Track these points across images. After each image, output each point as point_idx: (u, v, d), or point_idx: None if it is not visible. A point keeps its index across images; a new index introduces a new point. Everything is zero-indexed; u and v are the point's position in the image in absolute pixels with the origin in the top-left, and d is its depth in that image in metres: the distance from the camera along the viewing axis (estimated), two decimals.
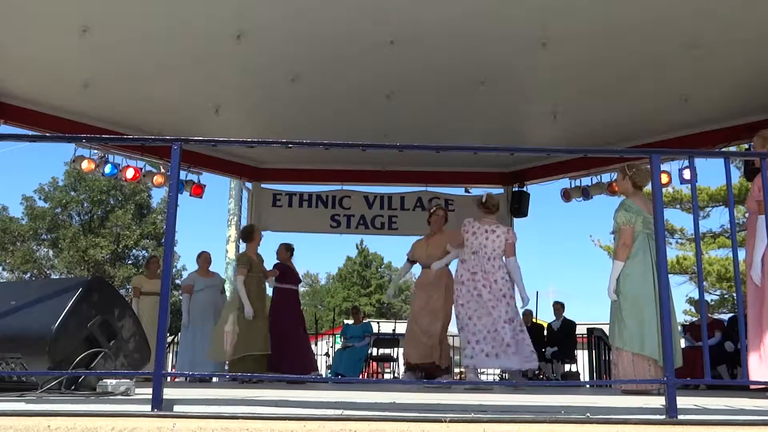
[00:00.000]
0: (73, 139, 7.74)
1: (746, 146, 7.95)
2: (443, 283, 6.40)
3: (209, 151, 9.46)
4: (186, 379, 8.34)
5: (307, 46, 6.49)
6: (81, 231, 27.53)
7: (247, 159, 10.03)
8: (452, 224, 6.96)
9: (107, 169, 8.69)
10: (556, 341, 10.70)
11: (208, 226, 52.58)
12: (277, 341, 7.13)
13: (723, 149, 7.49)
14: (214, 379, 7.77)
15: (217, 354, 7.10)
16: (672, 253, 18.56)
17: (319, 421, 2.23)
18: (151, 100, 7.75)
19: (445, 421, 2.22)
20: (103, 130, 8.13)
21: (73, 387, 3.39)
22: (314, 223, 10.07)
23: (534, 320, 11.08)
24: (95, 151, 8.59)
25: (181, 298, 8.45)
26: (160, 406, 2.45)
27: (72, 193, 27.85)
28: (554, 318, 11.11)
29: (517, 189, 10.01)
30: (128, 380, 3.25)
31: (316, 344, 14.63)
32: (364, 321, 11.14)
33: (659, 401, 2.76)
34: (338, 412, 2.39)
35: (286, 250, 7.87)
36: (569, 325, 10.86)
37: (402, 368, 7.67)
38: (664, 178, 8.39)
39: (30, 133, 7.85)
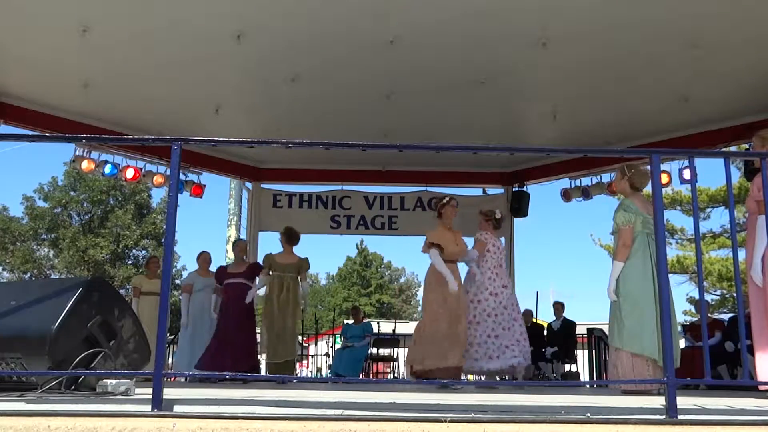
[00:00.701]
0: (73, 139, 7.75)
1: (746, 146, 7.95)
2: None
3: (209, 151, 9.47)
4: (186, 379, 8.33)
5: (307, 46, 6.49)
6: (81, 231, 27.51)
7: (247, 159, 10.04)
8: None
9: (107, 169, 8.70)
10: (556, 341, 10.69)
11: (208, 226, 52.67)
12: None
13: (723, 149, 7.49)
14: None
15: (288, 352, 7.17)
16: (672, 253, 18.57)
17: (319, 421, 2.23)
18: (151, 100, 7.76)
19: (446, 421, 2.22)
20: (103, 130, 8.15)
21: (73, 387, 3.39)
22: (314, 224, 10.06)
23: (534, 320, 11.07)
24: (95, 151, 8.59)
25: (180, 298, 8.45)
26: (160, 406, 2.45)
27: (72, 192, 27.81)
28: (554, 318, 11.09)
29: (517, 189, 10.03)
30: (128, 380, 3.25)
31: (316, 344, 14.69)
32: (364, 321, 11.13)
33: (659, 401, 2.76)
34: (338, 412, 2.39)
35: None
36: (569, 325, 10.84)
37: (404, 370, 7.47)
38: (664, 178, 8.39)
39: (30, 133, 7.86)
